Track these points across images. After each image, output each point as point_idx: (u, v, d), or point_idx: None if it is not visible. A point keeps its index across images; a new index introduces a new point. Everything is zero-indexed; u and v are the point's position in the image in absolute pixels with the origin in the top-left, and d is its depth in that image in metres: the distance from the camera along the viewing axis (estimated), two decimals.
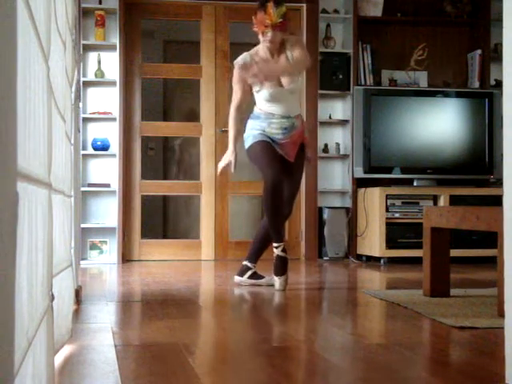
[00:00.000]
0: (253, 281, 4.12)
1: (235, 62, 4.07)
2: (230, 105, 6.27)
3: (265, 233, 4.14)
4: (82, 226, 5.30)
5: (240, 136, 4.19)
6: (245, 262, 4.18)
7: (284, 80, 4.04)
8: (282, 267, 3.93)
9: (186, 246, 6.09)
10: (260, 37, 4.00)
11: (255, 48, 4.10)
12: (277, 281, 3.93)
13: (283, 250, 3.97)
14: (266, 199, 3.93)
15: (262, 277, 4.14)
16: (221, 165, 4.22)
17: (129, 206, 5.95)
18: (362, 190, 5.94)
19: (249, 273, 4.14)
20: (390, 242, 5.66)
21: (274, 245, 3.99)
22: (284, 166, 4.01)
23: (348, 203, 6.10)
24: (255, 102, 4.15)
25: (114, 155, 5.84)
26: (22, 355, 1.01)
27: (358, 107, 5.87)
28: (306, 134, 4.23)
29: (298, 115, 4.13)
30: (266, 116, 4.06)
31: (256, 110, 4.13)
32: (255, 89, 4.07)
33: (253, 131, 4.07)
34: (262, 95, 4.05)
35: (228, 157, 4.16)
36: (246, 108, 4.21)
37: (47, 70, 1.44)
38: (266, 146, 4.00)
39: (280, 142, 4.03)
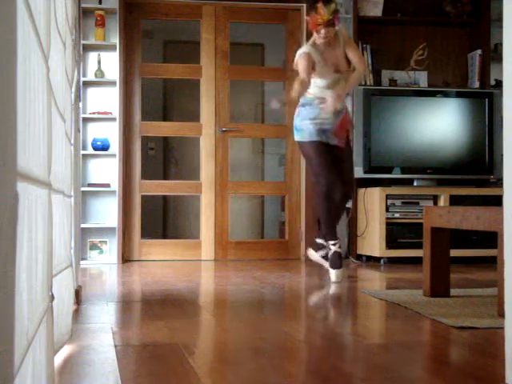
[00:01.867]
0: (323, 261, 4.56)
1: (299, 52, 4.37)
2: (229, 104, 6.27)
3: (323, 208, 4.44)
4: (82, 226, 5.30)
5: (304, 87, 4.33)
6: (320, 241, 4.59)
7: (342, 66, 4.43)
8: (338, 261, 4.37)
9: (186, 246, 6.09)
10: (315, 35, 4.31)
11: (311, 40, 4.40)
12: (333, 273, 4.33)
13: (340, 246, 4.45)
14: (319, 204, 4.45)
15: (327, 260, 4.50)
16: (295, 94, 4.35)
17: (129, 206, 5.95)
18: (362, 190, 5.94)
19: (321, 253, 4.57)
20: (390, 242, 5.66)
21: (331, 242, 4.43)
22: (336, 168, 4.39)
23: (348, 203, 6.09)
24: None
25: (113, 155, 5.84)
26: (21, 355, 1.01)
27: (358, 107, 5.87)
28: (351, 121, 4.65)
29: (343, 103, 4.50)
30: (319, 101, 4.37)
31: (307, 95, 4.41)
32: (317, 71, 4.36)
33: (307, 123, 4.38)
34: (319, 82, 4.38)
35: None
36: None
37: (47, 70, 1.44)
38: (320, 148, 4.36)
39: (331, 126, 4.38)
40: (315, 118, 4.37)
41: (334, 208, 4.42)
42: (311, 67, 4.31)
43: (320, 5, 4.19)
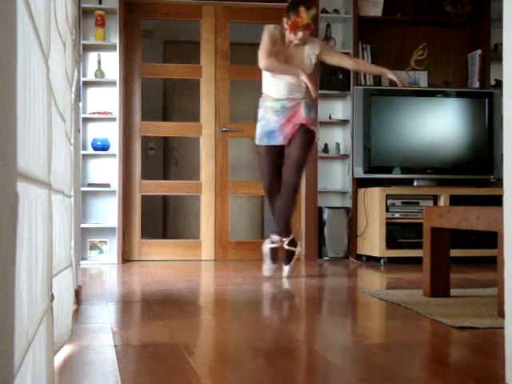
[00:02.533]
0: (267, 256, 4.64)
1: (267, 26, 4.49)
2: (229, 104, 6.27)
3: (270, 206, 4.68)
4: (82, 226, 5.30)
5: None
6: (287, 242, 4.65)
7: (294, 62, 4.48)
8: (273, 257, 4.60)
9: (186, 246, 6.09)
10: (291, 36, 4.43)
11: (284, 27, 4.47)
12: (264, 267, 4.62)
13: (289, 243, 4.63)
14: (268, 203, 4.72)
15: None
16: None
17: (129, 206, 5.95)
18: (362, 190, 5.94)
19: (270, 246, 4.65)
20: (390, 242, 5.66)
21: (283, 239, 4.61)
22: (277, 171, 4.53)
23: (348, 203, 6.10)
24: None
25: (113, 155, 5.84)
26: (21, 355, 1.01)
27: (358, 107, 5.87)
28: (305, 114, 4.51)
29: (292, 98, 4.50)
30: (263, 99, 4.57)
31: (261, 97, 4.61)
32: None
33: (257, 126, 4.59)
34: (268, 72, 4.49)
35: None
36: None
37: (47, 70, 1.44)
38: (264, 153, 4.55)
39: (277, 125, 4.48)
40: (261, 119, 4.57)
41: (277, 207, 4.56)
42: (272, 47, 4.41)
43: (302, 8, 4.33)
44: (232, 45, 6.19)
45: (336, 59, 4.63)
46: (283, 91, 4.49)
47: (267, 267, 4.57)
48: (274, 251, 4.59)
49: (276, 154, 4.54)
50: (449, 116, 6.00)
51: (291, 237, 4.63)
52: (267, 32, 4.42)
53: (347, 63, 4.65)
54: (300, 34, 4.39)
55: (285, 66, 4.41)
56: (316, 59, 4.57)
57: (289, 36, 4.45)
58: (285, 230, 4.60)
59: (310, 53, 4.53)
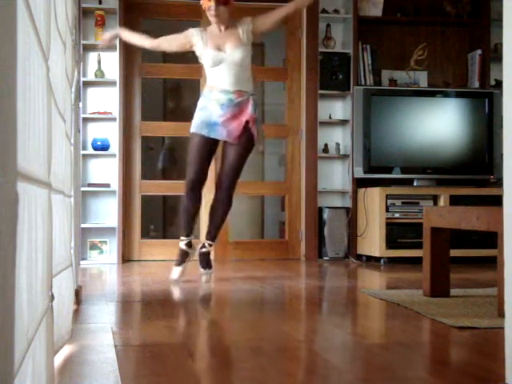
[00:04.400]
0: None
1: (186, 31, 4.33)
2: None
3: (182, 202, 4.36)
4: (82, 225, 5.30)
5: (132, 36, 4.59)
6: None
7: (228, 46, 4.25)
8: (182, 260, 4.30)
9: None
10: (207, 14, 4.26)
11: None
12: (174, 270, 4.30)
13: (187, 244, 4.33)
14: (182, 197, 4.34)
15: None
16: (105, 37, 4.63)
17: (129, 206, 5.95)
18: (361, 190, 5.94)
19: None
20: (390, 242, 5.66)
21: (181, 238, 4.33)
22: (205, 167, 4.29)
23: (348, 203, 6.10)
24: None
25: (113, 155, 5.84)
26: (21, 355, 1.01)
27: (358, 107, 5.87)
28: (253, 112, 4.24)
29: (239, 91, 4.22)
30: (207, 91, 4.27)
31: (204, 87, 4.37)
32: (199, 52, 4.28)
33: (196, 115, 4.28)
34: (205, 60, 4.26)
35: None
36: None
37: (47, 70, 1.44)
38: (199, 142, 4.23)
39: (221, 119, 4.17)
40: (203, 109, 4.24)
41: (191, 205, 4.28)
42: (177, 41, 4.31)
43: None
44: None
45: (269, 21, 4.32)
46: (228, 82, 4.20)
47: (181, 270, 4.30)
48: (204, 255, 4.38)
49: (209, 148, 4.26)
50: (449, 116, 6.00)
51: (192, 237, 4.40)
52: (185, 32, 4.32)
53: (275, 16, 4.31)
54: (212, 8, 4.17)
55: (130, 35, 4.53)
56: (252, 35, 4.29)
57: (209, 17, 4.26)
58: (215, 237, 4.42)
59: (243, 31, 4.27)
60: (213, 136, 4.20)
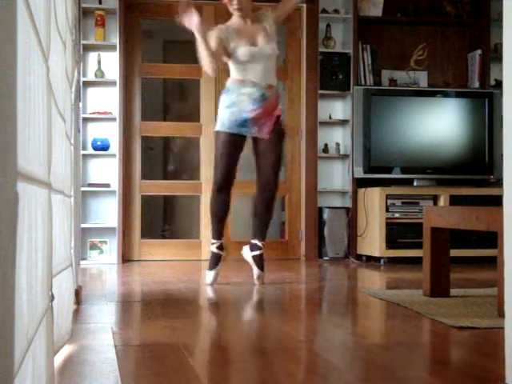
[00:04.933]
0: (252, 262, 4.24)
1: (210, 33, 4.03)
2: None
3: (212, 206, 4.22)
4: (82, 225, 5.30)
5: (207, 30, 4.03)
6: (255, 241, 4.26)
7: (260, 39, 4.10)
8: (214, 263, 4.19)
9: (185, 246, 6.09)
10: (229, 8, 4.10)
11: (229, 21, 4.17)
12: (207, 274, 4.19)
13: (218, 248, 4.21)
14: (211, 196, 4.21)
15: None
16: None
17: (129, 206, 5.95)
18: (361, 190, 5.94)
19: (255, 253, 4.24)
20: (390, 242, 5.66)
21: (212, 241, 4.24)
22: (234, 167, 4.13)
23: (348, 203, 6.10)
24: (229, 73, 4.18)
25: (114, 155, 5.84)
26: (21, 355, 1.01)
27: (358, 107, 5.87)
28: (281, 107, 4.19)
29: (270, 85, 4.09)
30: (236, 85, 4.06)
31: (228, 82, 4.14)
32: (231, 48, 4.05)
33: (223, 112, 4.07)
34: (237, 55, 4.05)
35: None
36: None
37: (47, 70, 1.44)
38: (228, 140, 4.06)
39: (252, 114, 4.00)
40: (231, 106, 4.04)
41: (220, 209, 4.15)
42: (219, 45, 4.00)
43: None
44: None
45: (276, 15, 4.19)
46: (261, 76, 4.05)
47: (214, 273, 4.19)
48: (259, 257, 4.22)
49: (239, 146, 4.10)
50: (449, 116, 6.00)
51: (223, 240, 4.27)
52: (210, 33, 4.03)
53: (280, 11, 4.20)
54: (235, 1, 4.03)
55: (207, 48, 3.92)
56: (275, 25, 4.19)
57: (232, 12, 4.11)
58: (265, 236, 4.29)
59: (268, 23, 4.14)
60: (243, 133, 4.06)
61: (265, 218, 4.25)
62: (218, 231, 4.21)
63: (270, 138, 4.07)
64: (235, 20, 4.15)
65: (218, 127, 4.12)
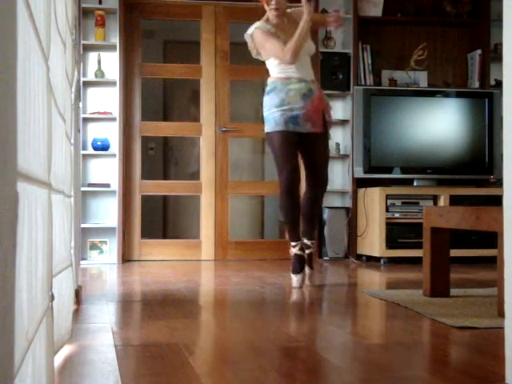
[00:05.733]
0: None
1: (251, 30, 4.05)
2: (229, 104, 6.26)
3: (285, 206, 4.07)
4: (82, 225, 5.30)
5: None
6: (305, 240, 4.15)
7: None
8: (297, 265, 4.04)
9: (186, 246, 6.09)
10: (266, 8, 4.06)
11: (263, 18, 4.12)
12: (293, 278, 4.03)
13: (301, 249, 4.07)
14: (280, 199, 4.05)
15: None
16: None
17: (129, 206, 5.95)
18: (361, 190, 5.94)
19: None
20: (390, 242, 5.66)
21: (292, 244, 4.08)
22: (297, 164, 4.02)
23: (348, 203, 6.10)
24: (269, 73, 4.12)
25: (114, 155, 5.84)
26: (21, 355, 1.01)
27: (358, 107, 5.87)
28: (326, 100, 4.19)
29: (313, 80, 4.12)
30: (283, 83, 4.01)
31: (270, 81, 4.09)
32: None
33: (273, 112, 3.99)
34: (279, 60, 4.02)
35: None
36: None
37: (47, 70, 1.44)
38: (286, 138, 3.96)
39: (302, 111, 3.96)
40: (281, 105, 3.97)
41: (295, 206, 4.03)
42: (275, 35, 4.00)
43: None
44: (232, 45, 6.19)
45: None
46: (306, 72, 4.06)
47: (300, 277, 4.04)
48: (310, 257, 4.15)
49: (295, 143, 3.99)
50: (449, 116, 6.00)
51: (302, 240, 4.16)
52: (259, 32, 4.02)
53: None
54: (273, 2, 4.00)
55: (293, 38, 3.93)
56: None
57: (270, 14, 4.06)
58: (313, 234, 4.24)
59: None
60: (298, 130, 3.97)
61: (313, 215, 4.18)
62: (295, 232, 4.08)
63: (320, 134, 4.04)
64: (272, 19, 4.10)
65: (272, 128, 4.00)
